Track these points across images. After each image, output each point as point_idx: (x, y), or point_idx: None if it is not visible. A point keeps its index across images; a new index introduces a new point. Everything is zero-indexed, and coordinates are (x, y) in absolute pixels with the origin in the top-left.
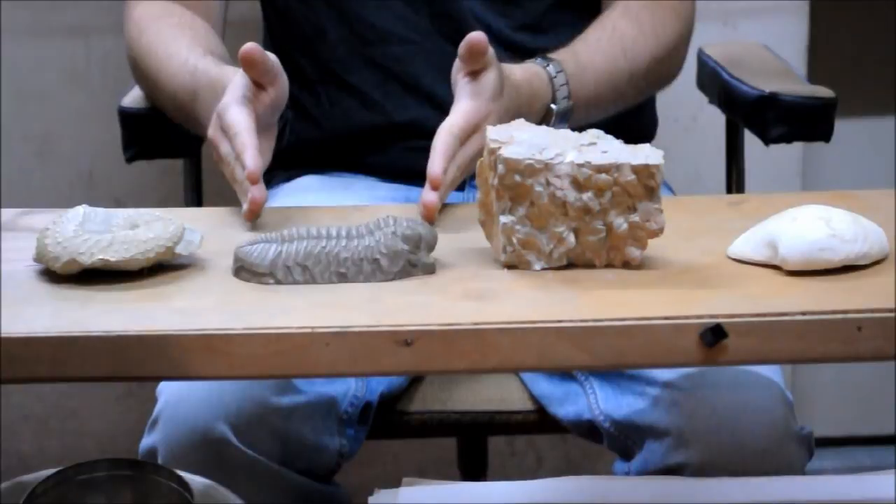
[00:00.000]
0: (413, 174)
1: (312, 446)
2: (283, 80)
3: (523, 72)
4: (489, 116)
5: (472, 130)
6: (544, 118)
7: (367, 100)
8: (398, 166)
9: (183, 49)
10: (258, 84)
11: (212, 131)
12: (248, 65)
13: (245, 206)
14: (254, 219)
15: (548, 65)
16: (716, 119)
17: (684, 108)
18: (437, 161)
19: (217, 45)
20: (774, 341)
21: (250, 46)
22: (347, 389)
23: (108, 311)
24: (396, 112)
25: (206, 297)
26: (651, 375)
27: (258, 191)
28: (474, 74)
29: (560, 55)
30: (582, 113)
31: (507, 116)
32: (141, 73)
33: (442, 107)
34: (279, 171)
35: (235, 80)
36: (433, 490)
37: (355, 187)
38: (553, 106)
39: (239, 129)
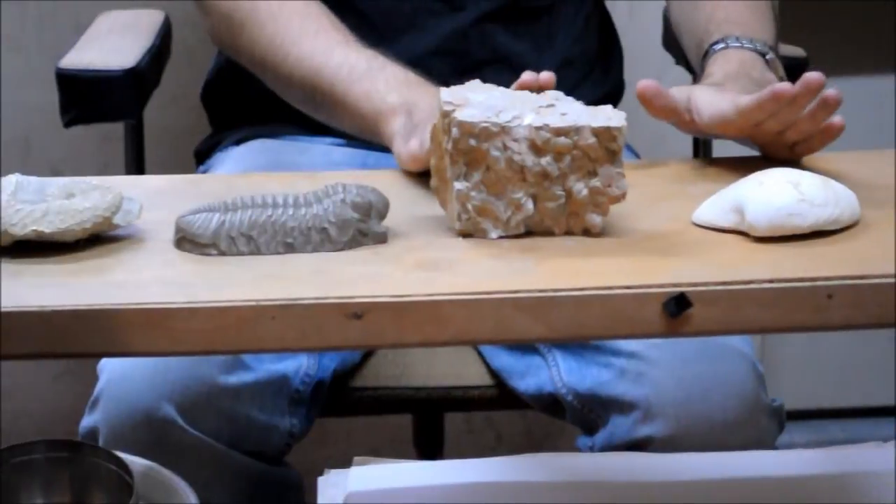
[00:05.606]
0: None
1: (262, 427)
2: None
3: (725, 63)
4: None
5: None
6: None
7: None
8: None
9: (333, 31)
10: None
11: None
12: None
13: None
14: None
15: (727, 46)
16: (682, 80)
17: (650, 68)
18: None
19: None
20: (741, 310)
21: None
22: (299, 367)
23: (42, 284)
24: None
25: (145, 270)
26: (616, 346)
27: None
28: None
29: (721, 32)
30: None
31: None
32: (267, 38)
33: (412, 60)
34: (229, 132)
35: None
36: (385, 469)
37: (310, 152)
38: (768, 58)
39: None
